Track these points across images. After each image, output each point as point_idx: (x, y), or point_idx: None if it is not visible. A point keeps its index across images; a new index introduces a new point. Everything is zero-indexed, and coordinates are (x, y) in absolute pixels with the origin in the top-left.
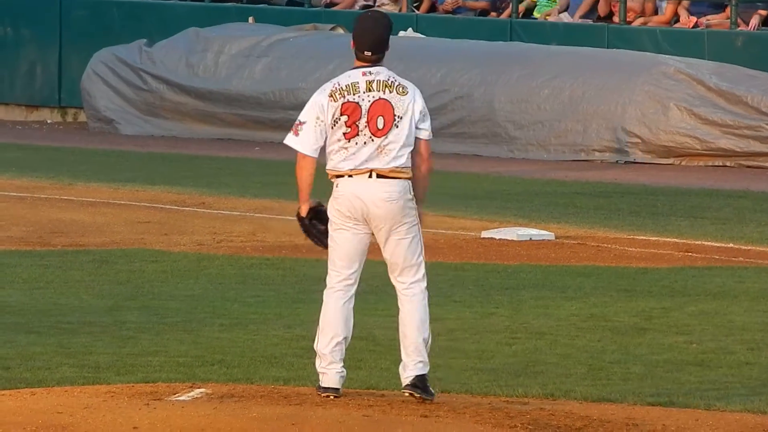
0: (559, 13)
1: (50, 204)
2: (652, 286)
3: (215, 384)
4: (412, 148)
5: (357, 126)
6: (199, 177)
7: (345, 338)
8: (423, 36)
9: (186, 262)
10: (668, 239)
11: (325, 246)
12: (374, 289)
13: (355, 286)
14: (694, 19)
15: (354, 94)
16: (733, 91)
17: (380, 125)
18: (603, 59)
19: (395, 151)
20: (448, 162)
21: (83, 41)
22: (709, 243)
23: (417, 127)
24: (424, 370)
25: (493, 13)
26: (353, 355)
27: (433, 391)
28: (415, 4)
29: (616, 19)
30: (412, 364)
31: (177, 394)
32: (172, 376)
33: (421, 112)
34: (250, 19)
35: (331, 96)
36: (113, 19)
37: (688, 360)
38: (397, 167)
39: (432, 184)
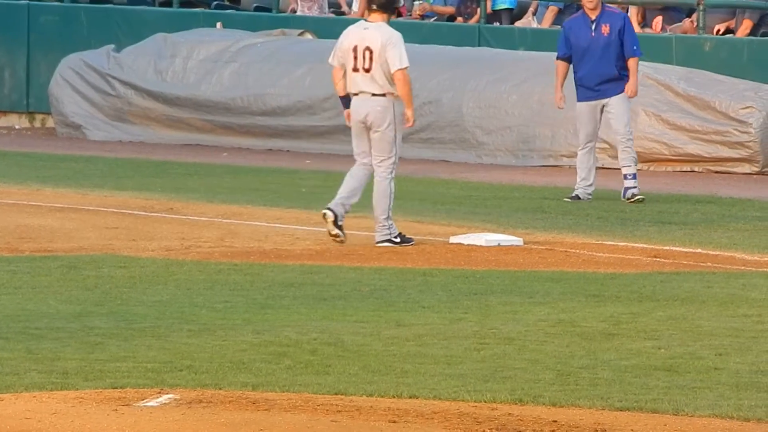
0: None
1: (18, 209)
2: (620, 292)
3: (183, 389)
4: None
5: None
6: (168, 182)
7: None
8: None
9: (154, 267)
10: (636, 245)
11: None
12: (343, 295)
13: None
14: (659, 20)
15: None
16: (701, 96)
17: None
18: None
19: None
20: (416, 167)
21: (51, 47)
22: (677, 248)
23: None
24: None
25: (460, 18)
26: (321, 361)
27: None
28: None
29: None
30: None
31: (145, 400)
32: (140, 381)
33: None
34: (218, 25)
35: None
36: (81, 24)
37: (656, 365)
38: None
39: (400, 189)
